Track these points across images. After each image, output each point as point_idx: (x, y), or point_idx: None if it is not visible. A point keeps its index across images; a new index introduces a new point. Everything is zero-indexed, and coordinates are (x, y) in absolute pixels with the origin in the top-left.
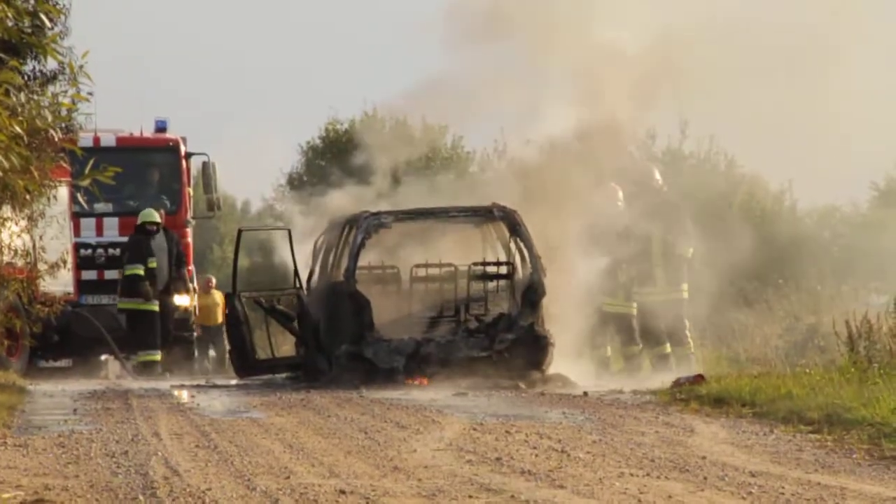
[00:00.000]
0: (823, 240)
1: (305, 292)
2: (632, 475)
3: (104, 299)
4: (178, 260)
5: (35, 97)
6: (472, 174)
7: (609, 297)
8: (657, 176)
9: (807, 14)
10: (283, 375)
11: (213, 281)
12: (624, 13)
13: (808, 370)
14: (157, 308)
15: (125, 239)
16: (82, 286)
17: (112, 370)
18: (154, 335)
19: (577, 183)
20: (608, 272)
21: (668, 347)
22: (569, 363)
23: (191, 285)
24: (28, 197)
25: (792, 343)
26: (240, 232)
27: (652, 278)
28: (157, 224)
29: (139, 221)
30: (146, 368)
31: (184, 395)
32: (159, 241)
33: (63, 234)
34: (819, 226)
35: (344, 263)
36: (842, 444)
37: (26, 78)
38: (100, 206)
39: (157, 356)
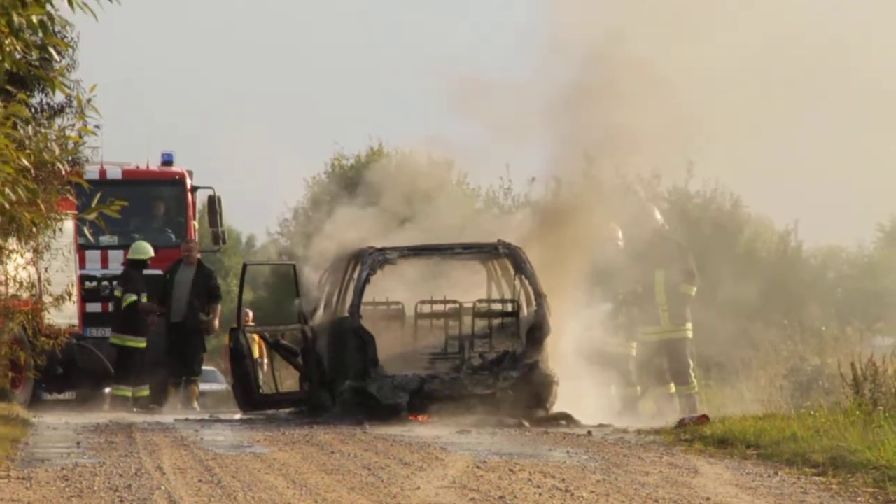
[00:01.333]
0: (828, 280)
1: (309, 328)
2: None
3: (108, 332)
4: (211, 295)
5: (42, 130)
6: (477, 211)
7: (609, 336)
8: (658, 215)
9: (812, 55)
10: (287, 410)
11: (251, 315)
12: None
13: (812, 412)
14: (143, 344)
15: None
16: (87, 319)
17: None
18: (132, 371)
19: (582, 222)
20: (610, 311)
21: (672, 387)
22: (573, 403)
23: (216, 322)
24: (34, 229)
25: (797, 384)
26: (245, 266)
27: (655, 317)
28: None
29: (129, 256)
30: (115, 400)
31: (188, 430)
32: (186, 274)
33: (68, 266)
34: (824, 266)
35: (349, 299)
36: (846, 487)
37: (34, 110)
38: (105, 239)
39: (128, 392)
